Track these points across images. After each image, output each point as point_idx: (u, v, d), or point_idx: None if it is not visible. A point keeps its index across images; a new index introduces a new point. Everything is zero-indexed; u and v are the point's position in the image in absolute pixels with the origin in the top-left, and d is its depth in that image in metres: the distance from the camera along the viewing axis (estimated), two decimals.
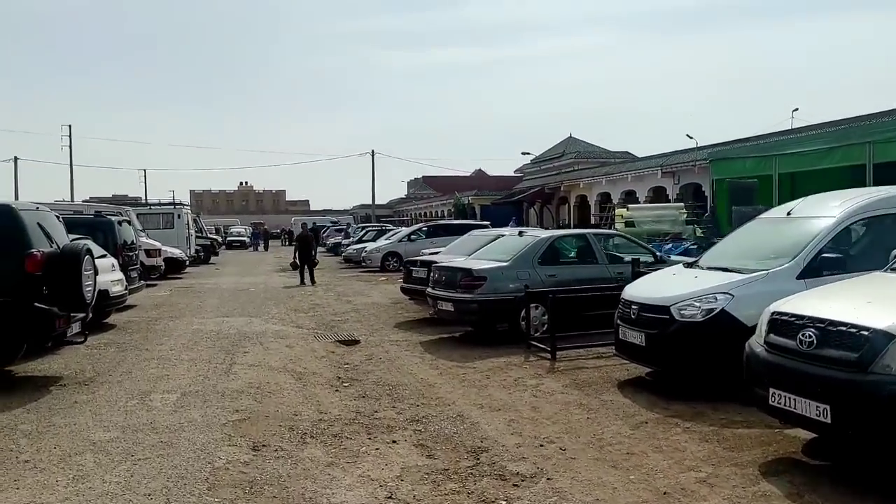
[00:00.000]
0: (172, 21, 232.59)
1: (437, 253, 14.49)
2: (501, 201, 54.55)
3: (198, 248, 31.60)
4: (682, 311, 6.61)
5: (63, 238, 8.53)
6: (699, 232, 18.86)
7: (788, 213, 7.32)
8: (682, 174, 33.01)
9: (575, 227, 41.35)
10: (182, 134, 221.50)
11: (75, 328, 8.23)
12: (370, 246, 27.69)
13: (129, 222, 16.28)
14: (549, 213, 49.78)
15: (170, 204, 30.43)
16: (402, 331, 11.96)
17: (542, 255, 10.34)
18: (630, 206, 20.85)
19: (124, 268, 14.41)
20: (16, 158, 60.01)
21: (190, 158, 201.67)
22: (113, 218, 15.17)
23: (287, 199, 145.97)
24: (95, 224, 14.70)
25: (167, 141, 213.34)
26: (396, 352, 10.07)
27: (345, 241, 35.94)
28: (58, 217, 10.19)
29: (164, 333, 11.78)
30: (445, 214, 67.01)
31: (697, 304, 6.54)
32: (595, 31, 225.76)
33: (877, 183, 15.73)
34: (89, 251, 8.10)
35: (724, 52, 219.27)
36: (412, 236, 27.12)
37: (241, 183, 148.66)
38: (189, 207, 32.13)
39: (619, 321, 7.42)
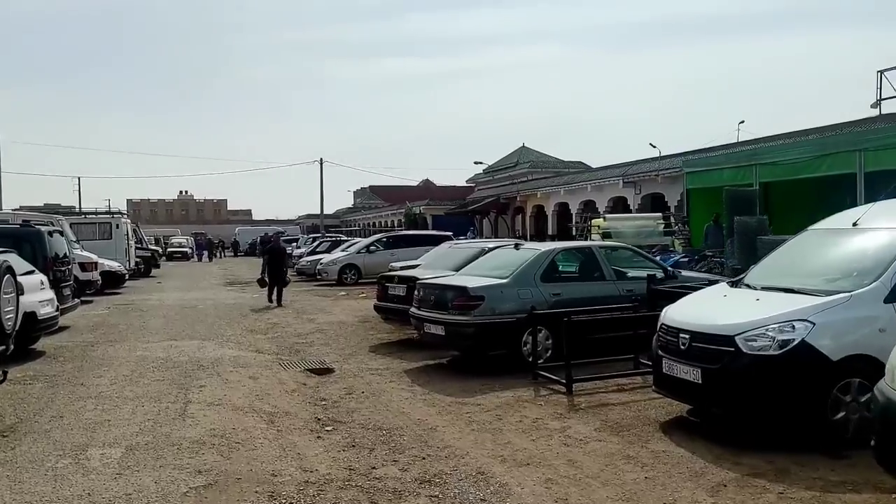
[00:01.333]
0: (109, 27, 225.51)
1: (412, 267, 13.16)
2: (455, 211, 53.47)
3: (138, 260, 29.52)
4: (751, 343, 5.46)
5: None
6: (678, 244, 17.98)
7: (855, 224, 6.27)
8: (643, 184, 32.41)
9: (532, 238, 40.53)
10: (119, 142, 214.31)
11: None
12: (326, 258, 26.15)
13: (61, 233, 14.48)
14: (505, 223, 48.88)
15: (107, 213, 28.28)
16: (380, 356, 10.59)
17: (544, 271, 9.14)
18: (607, 216, 19.93)
19: (55, 284, 12.67)
20: None
21: (127, 167, 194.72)
22: (42, 228, 13.39)
23: (229, 209, 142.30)
24: (21, 235, 12.90)
25: (104, 148, 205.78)
26: (380, 383, 8.71)
27: (296, 253, 34.15)
28: None
29: (103, 362, 10.15)
30: (396, 225, 65.63)
31: (771, 334, 5.40)
32: (537, 45, 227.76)
33: (867, 192, 15.09)
34: (9, 269, 6.55)
35: (665, 68, 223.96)
36: (371, 247, 25.68)
37: (181, 192, 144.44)
38: (128, 217, 30.00)
39: (660, 352, 6.24)
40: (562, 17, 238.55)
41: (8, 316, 6.52)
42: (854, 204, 18.11)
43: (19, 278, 10.16)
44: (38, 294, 10.64)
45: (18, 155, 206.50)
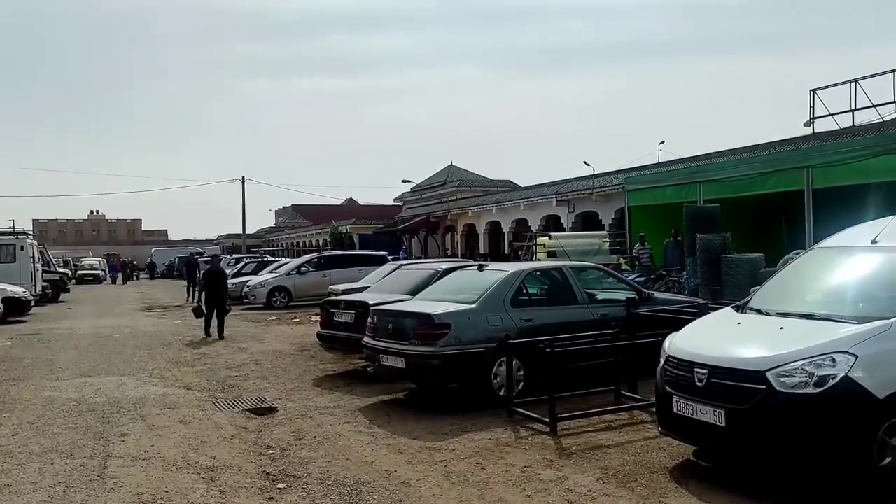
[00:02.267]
0: (9, 39, 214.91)
1: (357, 290, 12.16)
2: (384, 230, 52.40)
3: (45, 284, 27.27)
4: (785, 379, 4.74)
5: None
6: (623, 262, 17.56)
7: (874, 242, 5.68)
8: (577, 202, 32.22)
9: (462, 255, 39.90)
10: (24, 160, 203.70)
11: None
12: (253, 280, 24.69)
13: None
14: (435, 242, 48.12)
15: (10, 234, 26.02)
16: (327, 391, 9.52)
17: (513, 295, 8.30)
18: (553, 234, 19.42)
19: None
20: None
21: (32, 186, 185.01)
22: None
23: (143, 229, 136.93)
24: None
25: (8, 165, 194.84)
26: (333, 425, 7.66)
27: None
28: None
29: (3, 407, 8.72)
30: (321, 244, 64.03)
31: (808, 369, 4.70)
32: (453, 67, 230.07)
33: (816, 209, 14.99)
34: None
35: (580, 92, 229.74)
36: (302, 268, 24.39)
37: (92, 212, 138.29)
38: (34, 238, 27.72)
39: (669, 388, 5.48)
40: (473, 41, 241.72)
41: None
42: (790, 223, 18.33)
43: None
44: None
45: None
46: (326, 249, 50.04)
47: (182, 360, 12.55)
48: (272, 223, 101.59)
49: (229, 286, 27.40)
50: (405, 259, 30.06)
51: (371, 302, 9.88)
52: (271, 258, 35.94)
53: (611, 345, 7.65)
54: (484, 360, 7.85)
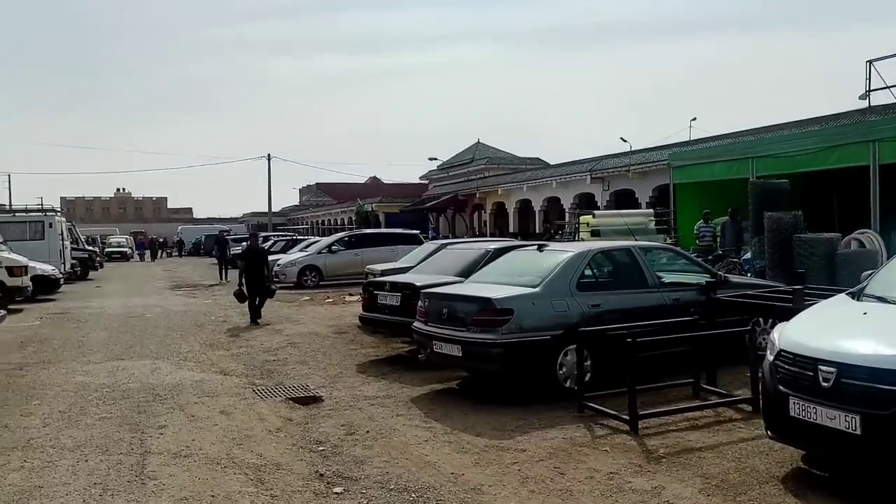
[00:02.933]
0: (38, 21, 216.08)
1: (400, 271, 11.52)
2: (410, 208, 51.76)
3: (74, 262, 26.98)
4: None
5: None
6: (669, 241, 16.74)
7: None
8: (612, 180, 31.32)
9: (491, 235, 39.16)
10: (51, 137, 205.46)
11: None
12: (283, 259, 24.14)
13: None
14: (463, 220, 47.40)
15: (39, 210, 25.71)
16: (373, 378, 8.93)
17: (580, 278, 7.60)
18: (596, 212, 18.64)
19: None
20: None
21: (61, 164, 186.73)
22: None
23: (169, 207, 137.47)
24: None
25: (35, 142, 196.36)
26: (385, 417, 7.06)
27: None
28: None
29: (34, 393, 8.23)
30: (346, 223, 63.59)
31: None
32: (474, 44, 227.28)
33: (882, 186, 14.07)
34: None
35: (607, 69, 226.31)
36: (333, 247, 23.82)
37: (119, 189, 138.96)
38: (62, 215, 27.42)
39: (784, 388, 4.77)
40: (494, 18, 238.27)
41: None
42: (844, 201, 17.35)
43: None
44: None
45: None
46: (352, 228, 49.59)
47: (216, 343, 12.04)
48: (296, 201, 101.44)
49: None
50: (432, 238, 29.44)
51: (418, 284, 9.25)
52: (300, 236, 35.42)
53: (699, 334, 6.93)
54: (549, 348, 7.18)
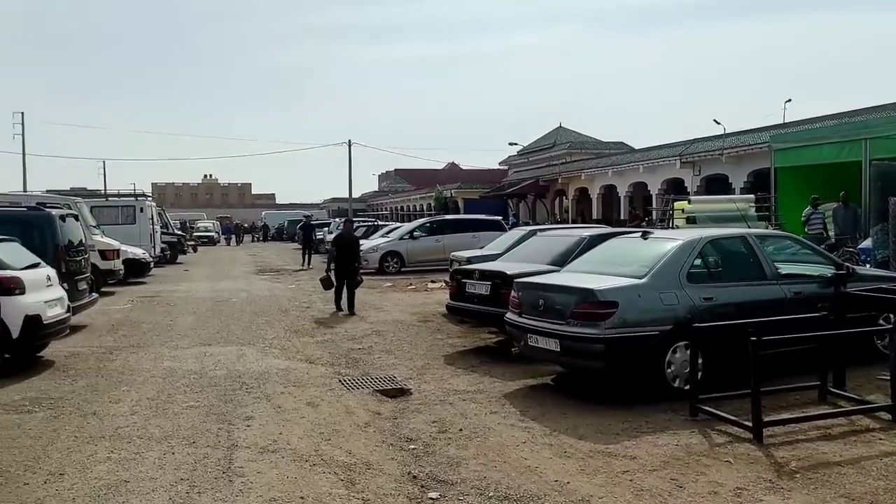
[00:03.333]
0: (131, 9, 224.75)
1: (484, 258, 11.09)
2: (490, 194, 51.21)
3: (163, 246, 27.68)
4: None
5: None
6: (772, 229, 15.67)
7: None
8: (703, 164, 29.94)
9: (573, 222, 38.24)
10: (142, 125, 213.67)
11: None
12: (365, 244, 24.02)
13: (76, 217, 12.55)
14: (544, 206, 46.56)
15: (130, 195, 26.41)
16: (462, 370, 8.53)
17: (690, 269, 6.98)
18: (692, 198, 17.75)
19: (69, 277, 10.79)
20: None
21: (151, 150, 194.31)
22: (53, 212, 11.45)
23: (253, 193, 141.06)
24: (29, 220, 11.00)
25: (128, 129, 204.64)
26: (478, 414, 6.65)
27: (329, 238, 32.12)
28: None
29: (123, 379, 8.19)
30: (426, 208, 63.59)
31: None
32: (557, 27, 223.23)
33: None
34: None
35: (692, 51, 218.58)
36: (415, 233, 23.62)
37: (206, 176, 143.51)
38: (153, 199, 28.13)
39: None
40: (577, 0, 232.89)
41: None
42: None
43: (20, 273, 8.27)
44: (43, 293, 8.71)
45: (44, 139, 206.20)
46: (431, 214, 49.44)
47: (300, 329, 11.90)
48: (375, 187, 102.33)
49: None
50: (513, 224, 28.83)
51: (510, 273, 8.78)
52: (381, 222, 35.43)
53: (831, 332, 6.23)
54: (656, 345, 6.61)
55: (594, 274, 7.31)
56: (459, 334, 10.90)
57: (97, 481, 4.93)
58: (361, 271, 19.67)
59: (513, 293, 7.75)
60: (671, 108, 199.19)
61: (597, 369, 6.89)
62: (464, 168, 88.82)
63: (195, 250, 39.88)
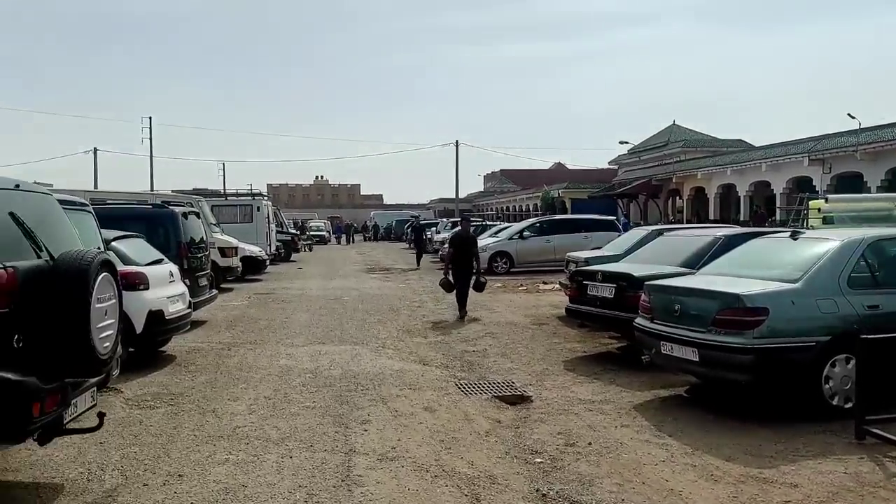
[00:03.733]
0: (248, 19, 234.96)
1: (603, 259, 10.51)
2: (600, 194, 49.98)
3: (278, 244, 28.39)
4: None
5: (72, 241, 4.91)
6: None
7: None
8: (834, 162, 27.95)
9: (688, 222, 36.63)
10: (258, 127, 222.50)
11: (81, 405, 4.58)
12: None
13: (197, 215, 12.85)
14: (657, 207, 44.98)
15: (248, 194, 27.24)
16: (584, 378, 8.02)
17: (851, 273, 6.21)
18: (830, 196, 16.47)
19: (191, 273, 11.00)
20: (95, 150, 58.80)
21: (266, 153, 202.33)
22: (176, 209, 11.72)
23: (362, 194, 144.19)
24: (153, 217, 11.31)
25: (244, 133, 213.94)
26: (607, 427, 6.14)
27: (437, 238, 32.11)
28: (82, 208, 6.68)
29: (240, 376, 8.16)
30: (531, 209, 62.92)
31: None
32: (667, 23, 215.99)
33: None
34: (104, 265, 4.44)
35: (816, 45, 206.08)
36: (524, 233, 23.13)
37: (317, 177, 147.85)
38: (269, 198, 28.91)
39: None
40: None
41: (104, 335, 4.40)
42: None
43: (144, 269, 8.39)
44: (166, 288, 8.83)
45: (169, 141, 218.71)
46: (537, 214, 48.70)
47: (413, 329, 11.69)
48: (481, 188, 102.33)
49: (446, 249, 26.88)
50: (625, 224, 27.73)
51: (638, 274, 8.20)
52: (489, 222, 35.11)
53: None
54: (812, 358, 5.90)
55: (736, 277, 6.64)
56: (578, 338, 10.37)
57: (215, 485, 4.77)
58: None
59: (643, 297, 7.18)
60: (793, 104, 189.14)
61: (743, 382, 6.22)
62: (570, 168, 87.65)
63: (310, 249, 40.87)
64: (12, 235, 4.19)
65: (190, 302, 9.59)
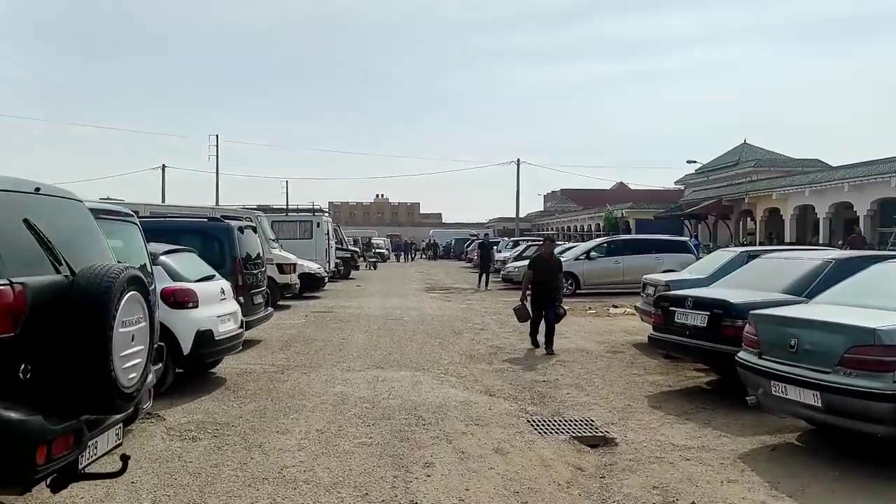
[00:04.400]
0: (310, 40, 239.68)
1: (689, 283, 9.54)
2: (666, 214, 48.36)
3: (338, 261, 27.99)
4: None
5: (103, 255, 4.30)
6: None
7: None
8: None
9: (761, 244, 34.87)
10: (321, 145, 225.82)
11: (102, 445, 3.93)
12: None
13: (254, 230, 12.36)
14: (727, 228, 43.12)
15: (308, 211, 26.93)
16: (674, 417, 7.08)
17: None
18: None
19: (245, 290, 10.46)
20: (164, 166, 60.12)
21: (328, 171, 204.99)
22: (232, 223, 11.23)
23: (421, 212, 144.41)
24: (208, 231, 10.83)
25: (307, 153, 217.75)
26: (710, 481, 5.22)
27: (499, 257, 31.27)
28: (126, 219, 6.14)
29: (292, 404, 7.49)
30: (593, 229, 61.49)
31: None
32: (737, 45, 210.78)
33: None
34: (132, 282, 3.79)
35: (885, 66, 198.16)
36: (591, 253, 22.12)
37: (378, 195, 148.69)
38: (329, 215, 28.59)
39: None
40: (755, 16, 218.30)
41: (130, 364, 3.75)
42: None
43: (193, 286, 7.84)
44: (216, 307, 8.27)
45: (234, 159, 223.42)
46: (599, 234, 47.38)
47: (476, 355, 10.89)
48: (540, 207, 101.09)
49: (512, 270, 25.92)
50: (696, 245, 26.37)
51: (737, 302, 7.24)
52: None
53: None
54: None
55: (865, 308, 5.66)
56: (660, 370, 9.41)
57: None
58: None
59: (748, 328, 6.24)
60: (871, 125, 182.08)
61: (879, 436, 5.22)
62: (633, 188, 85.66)
63: (375, 267, 40.58)
64: (26, 246, 3.59)
65: (242, 321, 9.02)
